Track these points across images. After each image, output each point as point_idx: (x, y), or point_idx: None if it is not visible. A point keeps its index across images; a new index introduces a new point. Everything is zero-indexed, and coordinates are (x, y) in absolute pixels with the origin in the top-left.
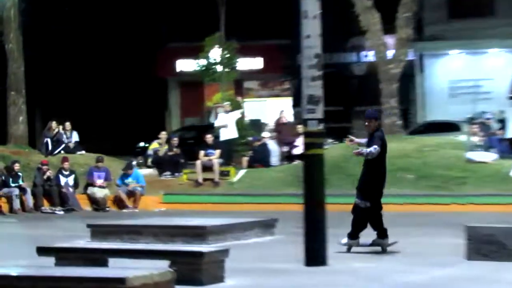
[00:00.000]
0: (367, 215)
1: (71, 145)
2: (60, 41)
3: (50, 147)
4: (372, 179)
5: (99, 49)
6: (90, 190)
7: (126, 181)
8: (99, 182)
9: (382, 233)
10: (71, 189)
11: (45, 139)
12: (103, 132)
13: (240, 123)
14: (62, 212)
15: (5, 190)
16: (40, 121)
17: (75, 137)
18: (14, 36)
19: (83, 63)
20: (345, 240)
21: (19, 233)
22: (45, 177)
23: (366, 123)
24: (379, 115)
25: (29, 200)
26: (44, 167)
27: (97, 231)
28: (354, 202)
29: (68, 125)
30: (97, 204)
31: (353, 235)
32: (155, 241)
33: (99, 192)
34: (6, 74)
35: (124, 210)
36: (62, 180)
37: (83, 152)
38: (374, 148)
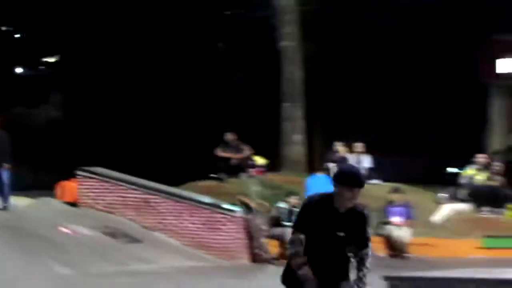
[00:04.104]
0: None
1: (363, 172)
2: (352, 36)
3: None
4: None
5: (413, 47)
6: (386, 230)
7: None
8: (396, 220)
9: None
10: None
11: (328, 164)
12: (403, 155)
13: None
14: None
15: (278, 230)
16: (320, 141)
17: (367, 162)
18: (290, 31)
19: (379, 65)
20: None
21: None
22: None
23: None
24: None
25: None
26: None
27: (397, 286)
28: None
29: (359, 146)
30: (393, 248)
31: None
32: None
33: (396, 233)
34: (279, 79)
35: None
36: None
37: (378, 181)
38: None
